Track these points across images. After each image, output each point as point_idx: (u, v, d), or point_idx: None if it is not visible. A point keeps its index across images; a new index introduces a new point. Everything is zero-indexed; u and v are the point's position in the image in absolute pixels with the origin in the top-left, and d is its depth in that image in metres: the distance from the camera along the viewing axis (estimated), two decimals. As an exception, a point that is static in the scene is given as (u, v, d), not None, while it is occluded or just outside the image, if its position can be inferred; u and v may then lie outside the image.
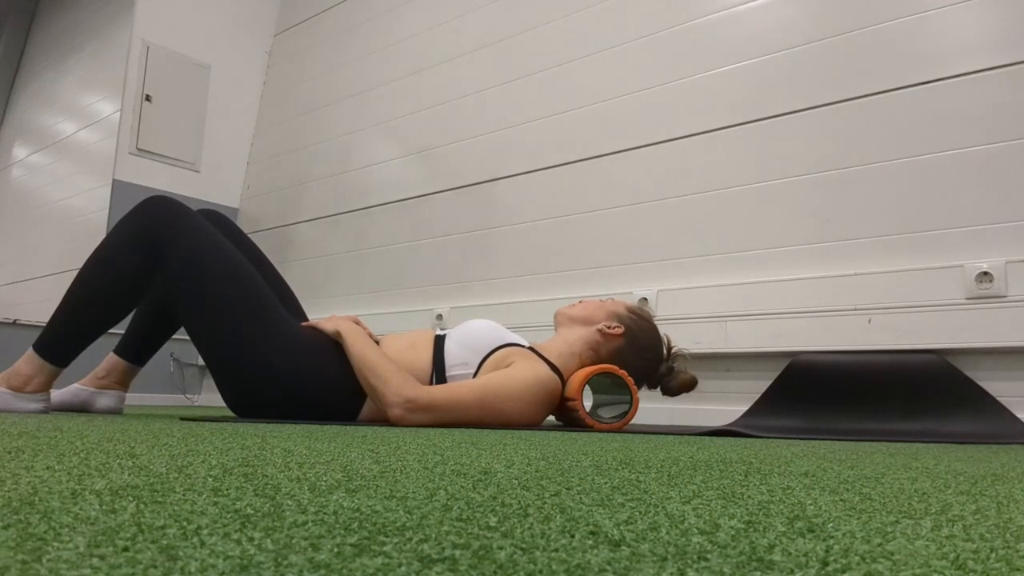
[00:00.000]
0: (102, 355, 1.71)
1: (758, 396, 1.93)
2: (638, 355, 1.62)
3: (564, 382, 1.55)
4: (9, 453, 0.61)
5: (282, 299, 1.62)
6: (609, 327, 1.61)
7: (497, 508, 0.41)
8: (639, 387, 1.58)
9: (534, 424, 1.51)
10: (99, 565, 0.25)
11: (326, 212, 3.39)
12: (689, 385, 1.65)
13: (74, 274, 1.51)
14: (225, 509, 0.37)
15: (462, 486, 0.50)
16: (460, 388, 1.43)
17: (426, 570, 0.26)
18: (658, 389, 1.68)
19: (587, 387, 1.56)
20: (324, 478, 0.52)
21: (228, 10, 3.84)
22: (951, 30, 1.88)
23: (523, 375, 1.47)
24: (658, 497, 0.48)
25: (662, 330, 1.69)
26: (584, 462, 0.71)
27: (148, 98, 3.43)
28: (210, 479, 0.49)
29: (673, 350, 1.69)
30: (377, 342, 1.56)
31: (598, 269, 2.40)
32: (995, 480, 0.65)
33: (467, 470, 0.60)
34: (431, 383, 1.50)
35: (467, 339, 1.55)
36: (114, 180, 3.30)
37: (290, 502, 0.40)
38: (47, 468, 0.52)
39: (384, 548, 0.30)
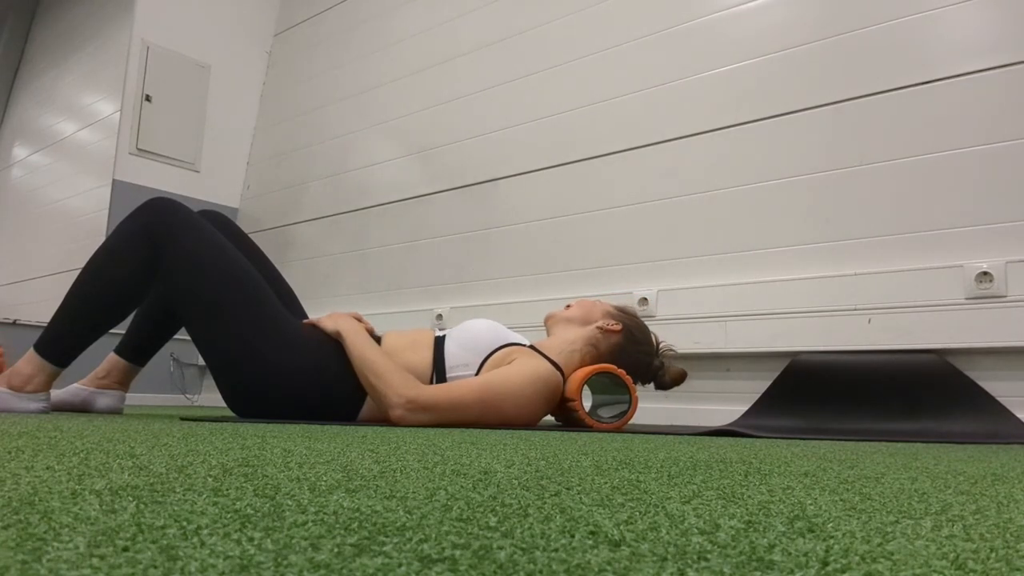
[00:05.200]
0: (102, 355, 1.71)
1: (758, 396, 1.93)
2: (635, 349, 1.66)
3: (565, 378, 1.55)
4: (9, 453, 0.61)
5: (283, 299, 1.62)
6: (608, 324, 1.64)
7: (497, 508, 0.41)
8: (635, 383, 1.59)
9: (535, 421, 1.51)
10: (99, 565, 0.25)
11: (326, 212, 3.39)
12: (680, 378, 1.71)
13: (74, 274, 1.51)
14: (225, 509, 0.37)
15: (462, 486, 0.50)
16: (461, 387, 1.43)
17: (426, 570, 0.26)
18: (652, 385, 1.71)
19: (586, 387, 1.56)
20: (324, 478, 0.52)
21: (228, 10, 3.84)
22: (951, 30, 1.88)
23: (524, 371, 1.47)
24: (658, 497, 0.48)
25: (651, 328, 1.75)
26: (584, 462, 0.71)
27: (148, 98, 3.43)
28: (210, 479, 0.49)
29: (661, 346, 1.73)
30: (378, 339, 1.56)
31: (598, 269, 2.40)
32: (995, 480, 0.65)
33: (467, 470, 0.60)
34: (431, 384, 1.50)
35: (467, 340, 1.55)
36: (114, 180, 3.30)
37: (290, 502, 0.40)
38: (47, 468, 0.52)
39: (384, 548, 0.30)
